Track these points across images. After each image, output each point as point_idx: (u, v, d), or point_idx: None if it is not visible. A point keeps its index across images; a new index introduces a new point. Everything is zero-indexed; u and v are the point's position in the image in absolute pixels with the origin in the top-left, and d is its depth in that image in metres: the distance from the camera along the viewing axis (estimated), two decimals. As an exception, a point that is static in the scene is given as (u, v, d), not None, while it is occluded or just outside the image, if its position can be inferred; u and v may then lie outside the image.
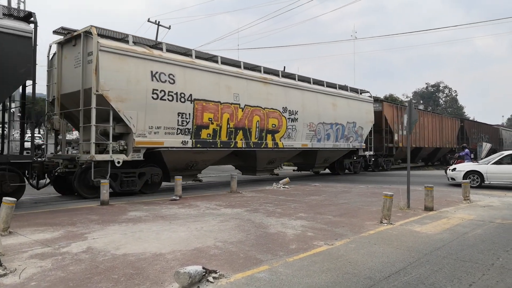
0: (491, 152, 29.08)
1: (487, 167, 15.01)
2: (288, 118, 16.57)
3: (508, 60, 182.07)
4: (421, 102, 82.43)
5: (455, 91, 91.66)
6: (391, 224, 7.56)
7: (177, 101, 12.27)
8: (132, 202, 10.45)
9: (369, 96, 22.94)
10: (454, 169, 15.93)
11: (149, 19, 30.25)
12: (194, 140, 12.89)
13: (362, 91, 22.33)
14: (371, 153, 23.23)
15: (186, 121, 12.62)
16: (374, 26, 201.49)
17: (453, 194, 12.51)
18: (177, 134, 12.41)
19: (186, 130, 12.68)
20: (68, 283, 4.22)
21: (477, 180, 14.97)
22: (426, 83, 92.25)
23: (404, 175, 11.00)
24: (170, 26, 28.70)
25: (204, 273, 4.31)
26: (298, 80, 17.62)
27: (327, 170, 22.88)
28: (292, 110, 16.80)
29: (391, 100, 48.71)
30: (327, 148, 19.21)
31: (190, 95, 12.68)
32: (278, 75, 16.59)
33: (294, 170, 20.25)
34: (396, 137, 25.87)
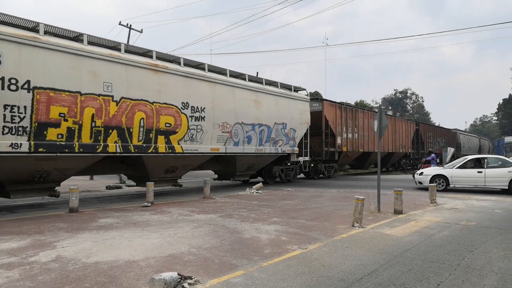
0: (452, 158, 30.16)
1: (452, 171, 15.59)
2: (191, 117, 13.28)
3: (472, 68, 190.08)
4: (390, 108, 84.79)
5: (422, 97, 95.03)
6: (363, 227, 7.73)
7: (2, 88, 8.99)
8: (103, 209, 10.21)
9: (305, 95, 20.09)
10: (421, 173, 16.45)
11: (120, 22, 29.77)
12: (34, 143, 9.52)
13: (297, 89, 19.51)
14: (307, 158, 20.33)
15: (19, 116, 9.33)
16: (345, 32, 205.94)
17: (420, 198, 12.91)
18: (3, 134, 9.10)
19: (20, 128, 9.35)
20: (38, 293, 4.09)
21: (442, 184, 15.52)
22: (394, 90, 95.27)
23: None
24: (142, 29, 28.36)
25: (179, 280, 4.28)
26: (209, 71, 14.46)
27: (301, 175, 22.89)
28: (197, 107, 13.53)
29: (361, 106, 48.77)
30: (249, 154, 16.08)
31: (28, 81, 9.40)
32: (179, 63, 13.32)
33: (214, 179, 17.34)
34: (339, 141, 23.09)
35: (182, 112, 13.01)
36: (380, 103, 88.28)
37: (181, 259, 5.41)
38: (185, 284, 4.31)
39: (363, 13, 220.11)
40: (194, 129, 13.52)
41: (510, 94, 67.12)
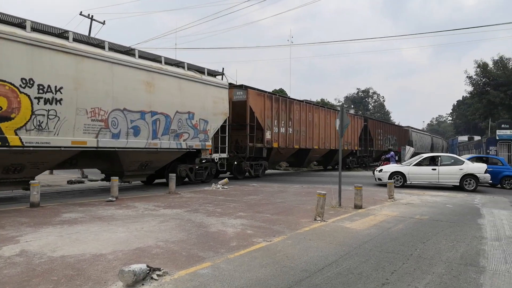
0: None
1: (409, 168, 16.40)
2: (38, 98, 10.11)
3: (429, 70, 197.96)
4: (352, 106, 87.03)
5: (383, 97, 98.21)
6: (324, 221, 8.08)
7: None
8: (65, 204, 10.03)
9: (225, 81, 17.11)
10: (381, 170, 17.18)
11: (81, 12, 28.84)
12: None
13: (212, 73, 16.56)
14: (224, 155, 17.18)
15: None
16: (310, 32, 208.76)
17: (379, 193, 13.53)
18: None
19: None
20: (5, 286, 4.08)
21: (400, 180, 16.30)
22: (357, 89, 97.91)
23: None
24: (104, 21, 27.64)
25: (148, 271, 4.39)
26: (76, 41, 11.32)
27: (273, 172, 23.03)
28: (49, 86, 10.34)
29: (322, 104, 48.93)
30: (137, 149, 12.91)
31: None
32: (24, 28, 10.09)
33: (101, 180, 14.48)
34: (268, 135, 20.19)
35: (21, 92, 9.79)
36: (343, 102, 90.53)
37: (148, 252, 5.50)
38: (154, 276, 4.42)
39: (326, 13, 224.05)
40: (44, 115, 10.27)
41: (463, 96, 70.60)
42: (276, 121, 20.90)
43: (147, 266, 4.44)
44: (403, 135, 44.72)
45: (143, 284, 4.21)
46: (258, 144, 19.61)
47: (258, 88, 20.68)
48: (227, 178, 16.06)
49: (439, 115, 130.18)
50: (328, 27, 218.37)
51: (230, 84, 18.36)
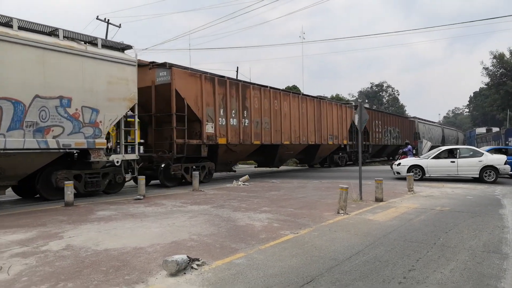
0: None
1: (427, 161, 16.46)
2: None
3: (443, 62, 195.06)
4: (366, 100, 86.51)
5: (397, 90, 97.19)
6: (347, 214, 8.33)
7: None
8: (97, 202, 10.50)
9: (133, 57, 12.78)
10: (399, 164, 17.28)
11: (97, 16, 29.54)
12: None
13: (112, 45, 12.51)
14: (133, 156, 12.82)
15: None
16: (320, 27, 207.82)
17: (398, 187, 13.68)
18: None
19: None
20: (60, 276, 4.47)
21: (419, 174, 16.38)
22: (371, 83, 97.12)
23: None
24: (120, 24, 28.23)
25: (188, 261, 4.73)
26: None
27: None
28: None
29: (337, 99, 45.23)
30: None
31: None
32: None
33: None
34: (210, 129, 15.67)
35: None
36: (357, 96, 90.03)
37: (184, 245, 5.85)
38: (194, 265, 4.76)
39: (337, 8, 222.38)
40: None
41: (480, 87, 69.55)
42: (222, 111, 16.30)
43: (187, 256, 4.78)
44: (407, 127, 40.84)
45: (184, 273, 4.54)
46: (194, 140, 15.31)
47: (193, 68, 16.34)
48: (247, 175, 16.38)
49: (456, 107, 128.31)
50: (339, 22, 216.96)
51: (152, 63, 14.93)
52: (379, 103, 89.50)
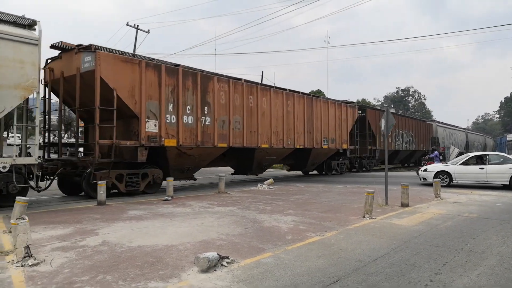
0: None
1: (455, 167, 16.20)
2: None
3: (472, 66, 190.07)
4: (392, 105, 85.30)
5: (424, 95, 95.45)
6: (373, 218, 8.37)
7: None
8: (128, 202, 10.89)
9: (34, 34, 9.97)
10: (425, 170, 17.06)
11: (127, 23, 30.47)
12: None
13: (7, 19, 9.76)
14: (29, 160, 10.10)
15: None
16: (345, 31, 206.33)
17: (425, 193, 13.53)
18: None
19: None
20: (99, 269, 4.75)
21: (446, 180, 16.12)
22: (396, 88, 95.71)
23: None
24: (149, 30, 29.02)
25: (218, 259, 4.93)
26: None
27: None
28: None
29: (363, 104, 42.53)
30: None
31: None
32: None
33: None
34: (152, 127, 12.70)
35: None
36: (383, 101, 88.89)
37: (213, 244, 6.07)
38: (224, 263, 4.95)
39: (363, 12, 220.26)
40: None
41: (511, 92, 67.44)
42: (172, 106, 13.34)
43: (218, 254, 4.98)
44: (424, 130, 36.94)
45: (215, 270, 4.74)
46: (129, 141, 12.31)
47: (129, 52, 13.68)
48: (272, 179, 16.53)
49: (486, 113, 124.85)
50: (364, 26, 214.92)
51: (78, 46, 12.00)
52: (405, 108, 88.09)
